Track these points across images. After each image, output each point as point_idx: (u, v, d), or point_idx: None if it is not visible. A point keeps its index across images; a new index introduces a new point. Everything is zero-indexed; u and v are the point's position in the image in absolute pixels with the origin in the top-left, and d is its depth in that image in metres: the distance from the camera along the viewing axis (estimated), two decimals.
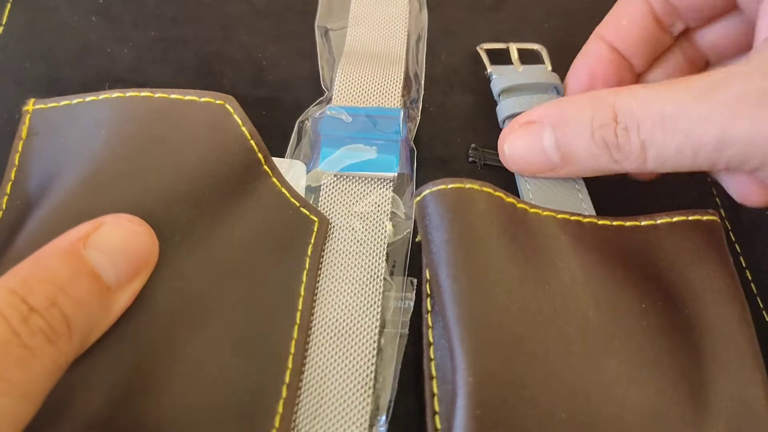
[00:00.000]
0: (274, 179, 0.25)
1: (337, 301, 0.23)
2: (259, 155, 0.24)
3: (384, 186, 0.27)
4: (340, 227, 0.25)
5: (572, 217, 0.24)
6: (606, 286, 0.23)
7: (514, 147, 0.25)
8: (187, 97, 0.24)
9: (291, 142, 0.28)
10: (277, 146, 0.26)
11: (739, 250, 0.28)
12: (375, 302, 0.23)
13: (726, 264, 0.23)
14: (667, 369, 0.21)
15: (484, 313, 0.21)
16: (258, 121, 0.25)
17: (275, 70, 0.30)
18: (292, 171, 0.26)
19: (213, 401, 0.20)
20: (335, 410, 0.21)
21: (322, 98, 0.29)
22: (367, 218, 0.26)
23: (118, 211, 0.21)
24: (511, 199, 0.24)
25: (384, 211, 0.26)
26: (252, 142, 0.24)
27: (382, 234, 0.25)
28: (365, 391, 0.22)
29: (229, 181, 0.23)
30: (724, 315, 0.22)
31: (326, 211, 0.26)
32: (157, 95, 0.24)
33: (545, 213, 0.24)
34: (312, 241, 0.24)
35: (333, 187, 0.26)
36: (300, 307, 0.22)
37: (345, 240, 0.25)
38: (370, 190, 0.26)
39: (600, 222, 0.24)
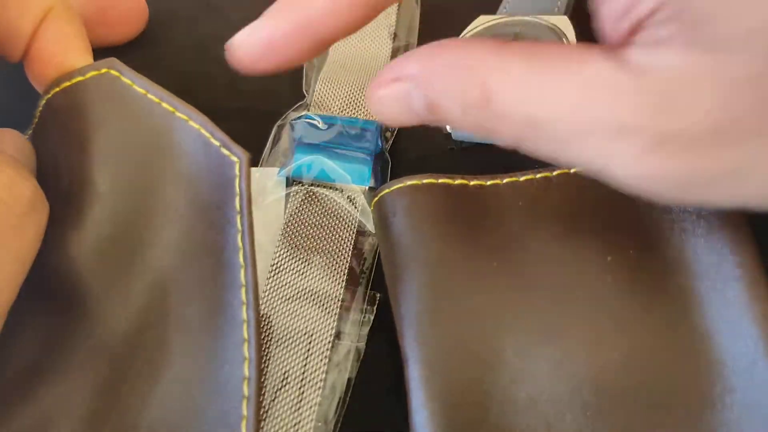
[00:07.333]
0: (192, 123, 0.22)
1: (294, 306, 0.22)
2: (165, 105, 0.22)
3: (353, 198, 0.26)
4: (304, 236, 0.24)
5: (538, 176, 0.23)
6: (567, 247, 0.21)
7: (382, 104, 0.20)
8: (74, 80, 0.22)
9: (267, 145, 0.27)
10: (255, 157, 0.25)
11: None
12: (333, 311, 0.23)
13: None
14: (640, 324, 0.19)
15: (428, 307, 0.20)
16: (235, 132, 0.24)
17: (251, 81, 0.30)
18: (263, 178, 0.25)
19: (175, 411, 0.19)
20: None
21: (301, 103, 0.29)
22: (333, 229, 0.25)
23: None
24: (460, 181, 0.23)
25: (351, 222, 0.25)
26: (150, 96, 0.22)
27: (347, 244, 0.24)
28: (312, 401, 0.21)
29: (141, 147, 0.21)
30: (718, 245, 0.19)
31: (292, 219, 0.25)
32: (52, 91, 0.23)
33: (505, 181, 0.23)
34: (237, 191, 0.20)
35: (301, 194, 0.26)
36: (243, 282, 0.19)
37: (308, 248, 0.24)
38: (339, 202, 0.26)
39: (573, 170, 0.23)
